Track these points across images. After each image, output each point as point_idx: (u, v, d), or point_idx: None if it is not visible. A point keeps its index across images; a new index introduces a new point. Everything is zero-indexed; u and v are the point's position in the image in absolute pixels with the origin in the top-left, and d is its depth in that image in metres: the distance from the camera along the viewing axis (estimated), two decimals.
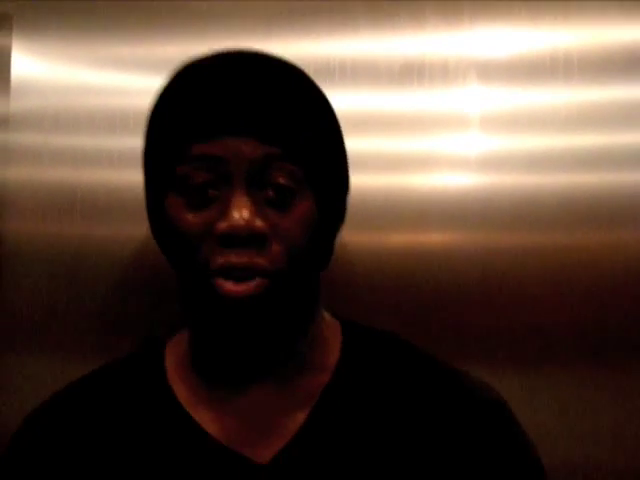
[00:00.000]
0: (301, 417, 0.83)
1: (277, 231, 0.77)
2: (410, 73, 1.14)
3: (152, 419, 0.85)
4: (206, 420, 0.84)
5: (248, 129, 0.76)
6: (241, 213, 0.75)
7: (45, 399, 0.91)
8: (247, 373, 0.84)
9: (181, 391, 0.86)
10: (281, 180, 0.77)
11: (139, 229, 1.16)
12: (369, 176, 1.15)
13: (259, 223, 0.76)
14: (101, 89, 1.17)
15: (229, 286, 0.76)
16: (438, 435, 0.83)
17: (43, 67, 1.18)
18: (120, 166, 1.17)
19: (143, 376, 0.88)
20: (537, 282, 1.12)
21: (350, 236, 1.14)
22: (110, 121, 1.17)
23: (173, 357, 0.89)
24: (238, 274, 0.76)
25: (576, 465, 1.11)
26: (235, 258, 0.76)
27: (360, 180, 1.13)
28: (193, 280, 0.79)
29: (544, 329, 1.12)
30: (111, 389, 0.88)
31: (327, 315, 0.91)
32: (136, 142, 1.14)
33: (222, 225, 0.75)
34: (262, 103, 0.77)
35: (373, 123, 1.14)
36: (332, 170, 0.83)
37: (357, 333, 0.91)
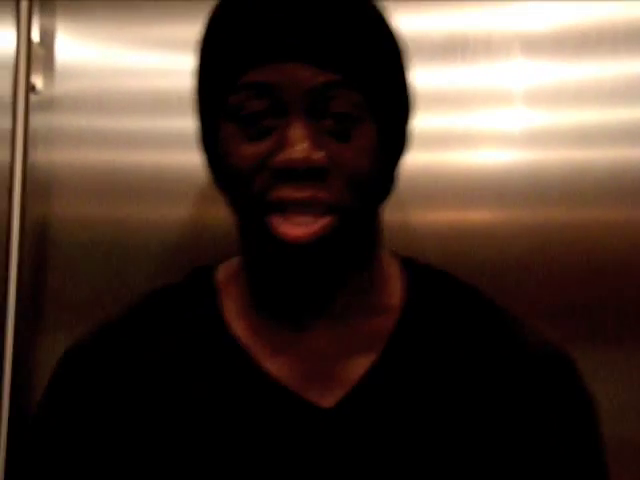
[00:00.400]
0: (367, 361, 0.79)
1: (338, 163, 0.72)
2: (453, 48, 1.13)
3: (208, 357, 0.80)
4: (267, 361, 0.79)
5: (306, 54, 0.71)
6: (299, 145, 0.70)
7: (87, 330, 0.87)
8: (308, 313, 0.80)
9: (239, 329, 0.81)
10: (341, 108, 0.72)
11: (182, 211, 1.16)
12: (411, 153, 1.13)
13: (318, 155, 0.71)
14: (144, 70, 1.18)
15: (288, 230, 0.72)
16: (503, 385, 0.80)
17: (87, 49, 1.19)
18: (164, 147, 1.17)
19: (197, 310, 0.84)
20: (585, 259, 1.10)
21: (392, 214, 1.13)
22: (153, 102, 1.17)
23: (228, 291, 0.84)
24: (299, 210, 0.72)
25: None
26: (294, 192, 0.71)
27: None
28: (248, 216, 0.76)
29: (592, 307, 1.10)
30: (161, 322, 0.84)
31: (386, 252, 0.86)
32: (179, 123, 1.16)
33: (279, 158, 0.71)
34: (321, 25, 0.71)
35: (415, 99, 1.13)
36: (394, 96, 0.77)
37: (419, 273, 0.87)
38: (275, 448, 0.76)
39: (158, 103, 1.17)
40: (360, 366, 0.79)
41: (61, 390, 0.84)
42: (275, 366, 0.79)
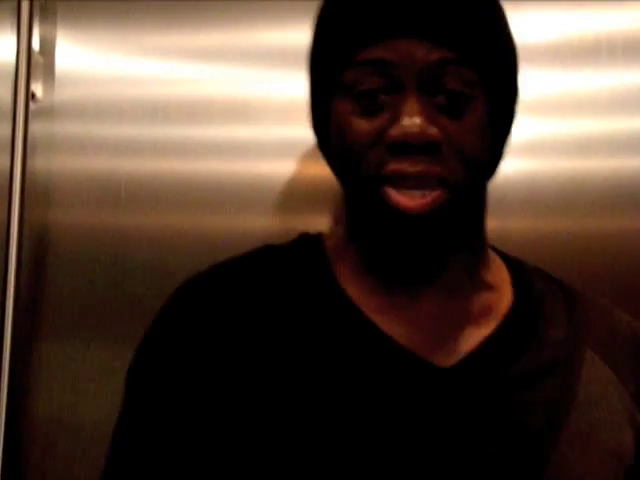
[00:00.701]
0: (482, 333, 0.81)
1: (450, 138, 0.74)
2: None
3: (322, 313, 0.81)
4: (381, 323, 0.80)
5: (422, 31, 0.73)
6: (414, 119, 0.72)
7: (202, 272, 0.86)
8: (420, 284, 0.81)
9: (352, 291, 0.82)
10: (455, 85, 0.74)
11: (182, 218, 1.17)
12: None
13: (433, 130, 0.73)
14: (144, 78, 1.18)
15: (403, 200, 0.73)
16: (608, 366, 0.83)
17: (87, 58, 1.19)
18: (163, 155, 1.18)
19: (309, 268, 0.84)
20: (584, 269, 1.10)
21: None
22: (153, 110, 1.17)
23: (338, 258, 0.85)
24: (412, 183, 0.73)
25: None
26: (409, 166, 0.73)
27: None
28: (361, 190, 0.77)
29: None
30: (273, 274, 0.84)
31: None
32: (178, 131, 1.17)
33: (394, 132, 0.73)
34: (435, 2, 0.74)
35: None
36: (506, 75, 0.80)
37: (512, 260, 0.89)
38: (393, 405, 0.76)
39: (157, 111, 1.18)
40: (474, 337, 0.81)
41: (171, 324, 0.83)
42: (390, 328, 0.80)
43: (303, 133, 1.13)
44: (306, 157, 1.15)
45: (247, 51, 1.17)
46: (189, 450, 0.77)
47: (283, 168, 1.15)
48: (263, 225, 1.14)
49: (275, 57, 1.16)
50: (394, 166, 0.74)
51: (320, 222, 1.11)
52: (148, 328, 0.84)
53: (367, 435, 0.74)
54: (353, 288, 0.82)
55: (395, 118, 0.73)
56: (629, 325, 0.88)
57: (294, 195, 1.15)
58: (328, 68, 0.78)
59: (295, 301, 0.81)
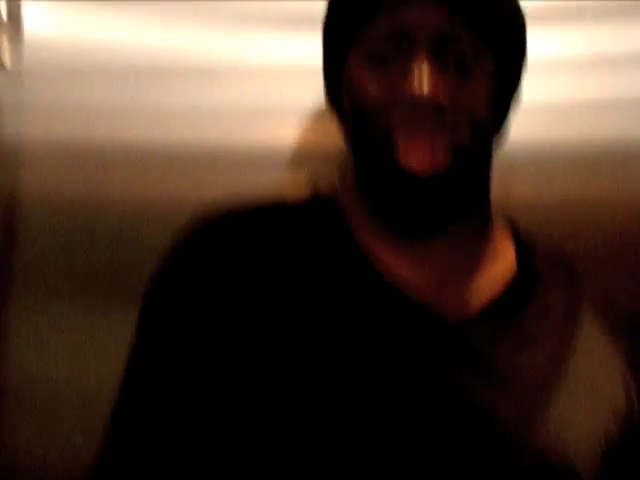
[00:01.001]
0: (490, 290, 0.86)
1: (458, 100, 0.79)
2: None
3: (332, 262, 0.85)
4: (393, 273, 0.84)
5: None
6: (423, 81, 0.77)
7: (216, 212, 0.89)
8: (429, 236, 0.85)
9: (364, 240, 0.86)
10: (464, 49, 0.80)
11: (154, 184, 1.16)
12: None
13: (441, 92, 0.78)
14: (114, 44, 1.17)
15: (411, 160, 0.78)
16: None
17: (56, 22, 1.17)
18: (134, 123, 1.17)
19: (324, 217, 0.89)
20: (590, 235, 1.12)
21: None
22: (124, 77, 1.16)
23: (350, 210, 0.89)
24: (420, 142, 0.79)
25: None
26: (417, 126, 0.78)
27: None
28: (370, 145, 0.81)
29: None
30: (288, 222, 0.88)
31: None
32: (150, 98, 1.16)
33: (404, 92, 0.78)
34: None
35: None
36: (514, 42, 0.85)
37: (512, 222, 0.95)
38: (408, 355, 0.81)
39: (128, 78, 1.16)
40: (483, 292, 0.86)
41: (186, 259, 0.86)
42: (400, 280, 0.84)
43: (277, 96, 1.15)
44: (280, 121, 1.15)
45: (220, 15, 1.16)
46: (199, 379, 0.80)
47: (258, 134, 1.15)
48: (238, 192, 1.13)
49: (251, 20, 1.16)
50: (403, 125, 0.79)
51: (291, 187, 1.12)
52: (164, 258, 0.87)
53: (378, 382, 0.78)
54: (364, 237, 0.86)
55: (405, 79, 0.78)
56: (624, 295, 0.96)
57: (265, 160, 1.15)
58: (343, 27, 0.84)
59: (310, 252, 0.85)
